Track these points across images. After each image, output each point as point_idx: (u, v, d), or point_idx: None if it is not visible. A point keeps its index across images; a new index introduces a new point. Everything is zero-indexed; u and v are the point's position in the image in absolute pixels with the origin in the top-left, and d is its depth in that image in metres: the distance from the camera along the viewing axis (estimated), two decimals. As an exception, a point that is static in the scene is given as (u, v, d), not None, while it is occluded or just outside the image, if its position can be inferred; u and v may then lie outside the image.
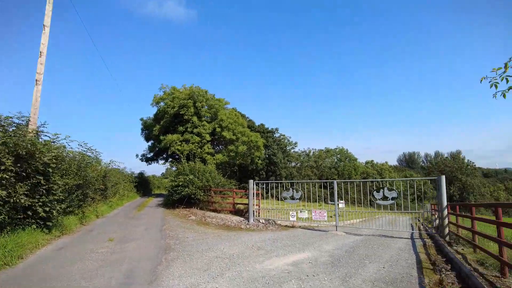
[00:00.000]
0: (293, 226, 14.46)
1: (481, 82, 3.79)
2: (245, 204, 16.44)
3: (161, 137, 29.99)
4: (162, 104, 32.75)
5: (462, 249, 7.61)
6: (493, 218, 5.48)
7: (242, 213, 16.27)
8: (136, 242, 8.78)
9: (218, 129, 30.95)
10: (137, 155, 37.87)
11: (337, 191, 13.87)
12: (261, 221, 15.12)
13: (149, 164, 37.88)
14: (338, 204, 19.98)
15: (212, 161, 28.50)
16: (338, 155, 56.50)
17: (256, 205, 15.59)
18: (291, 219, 14.36)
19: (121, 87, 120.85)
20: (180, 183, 17.61)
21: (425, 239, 10.62)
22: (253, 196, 15.22)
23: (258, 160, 35.12)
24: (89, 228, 11.35)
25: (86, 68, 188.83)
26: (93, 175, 13.84)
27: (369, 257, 7.05)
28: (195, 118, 30.35)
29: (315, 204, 23.87)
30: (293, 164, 54.90)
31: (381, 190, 12.42)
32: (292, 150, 55.42)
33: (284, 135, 53.63)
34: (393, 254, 7.44)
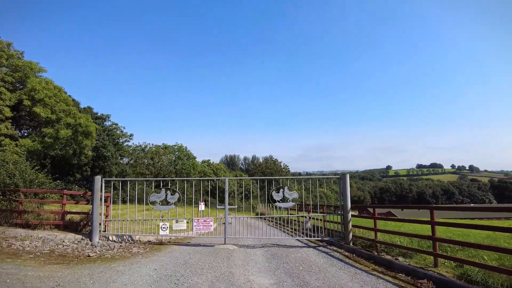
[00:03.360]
0: (161, 243, 10.47)
1: None
2: (84, 213, 10.88)
3: None
4: None
5: (408, 260, 6.54)
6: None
7: (78, 227, 10.67)
8: None
9: (27, 102, 21.31)
10: None
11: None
12: (111, 238, 10.23)
13: None
14: (200, 207, 17.16)
15: (15, 148, 19.05)
16: (177, 153, 53.12)
17: (105, 214, 10.51)
18: (161, 232, 10.31)
19: None
20: (-50, 180, 9.83)
21: (333, 247, 9.54)
22: (101, 201, 10.16)
23: (88, 151, 27.05)
24: None
25: None
26: None
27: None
28: (-16, 81, 19.71)
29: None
30: (125, 160, 47.09)
31: (281, 190, 10.57)
32: (125, 144, 47.62)
33: (117, 125, 45.29)
34: (360, 284, 5.38)
